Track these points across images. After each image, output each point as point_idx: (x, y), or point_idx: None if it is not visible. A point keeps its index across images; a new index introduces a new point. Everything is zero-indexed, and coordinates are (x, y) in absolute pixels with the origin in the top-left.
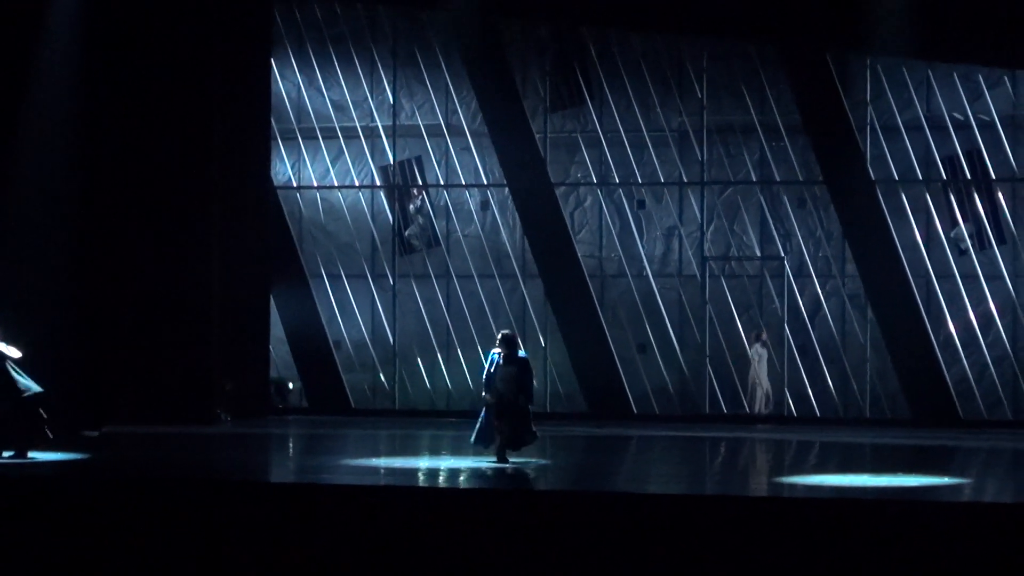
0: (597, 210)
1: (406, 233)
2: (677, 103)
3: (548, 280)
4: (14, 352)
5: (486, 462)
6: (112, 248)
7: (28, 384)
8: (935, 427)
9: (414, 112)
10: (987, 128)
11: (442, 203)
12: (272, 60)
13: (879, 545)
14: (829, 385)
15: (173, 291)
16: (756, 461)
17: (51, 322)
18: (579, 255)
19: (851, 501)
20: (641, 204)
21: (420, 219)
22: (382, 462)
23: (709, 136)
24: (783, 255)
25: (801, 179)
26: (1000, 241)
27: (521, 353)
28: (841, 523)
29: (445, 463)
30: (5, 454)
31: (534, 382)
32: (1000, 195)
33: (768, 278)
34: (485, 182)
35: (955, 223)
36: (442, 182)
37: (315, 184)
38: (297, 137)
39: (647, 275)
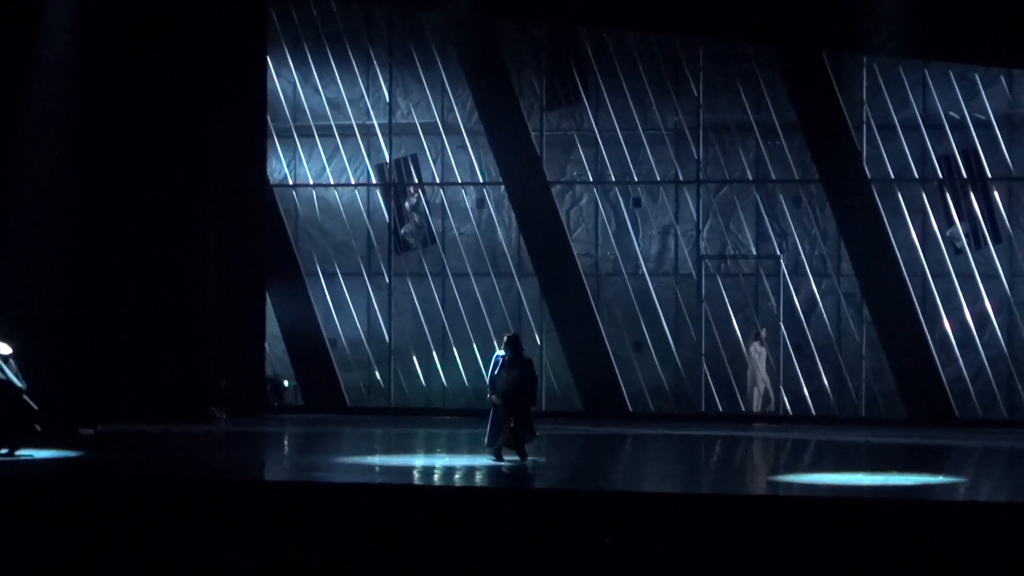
0: (593, 208)
1: (402, 231)
2: (673, 102)
3: (544, 278)
4: (5, 348)
5: (494, 460)
6: (107, 246)
7: (10, 377)
8: (931, 426)
9: (410, 110)
10: (983, 127)
11: (438, 201)
12: (268, 58)
13: (874, 543)
14: (825, 384)
15: (169, 289)
16: (752, 460)
17: (46, 320)
18: (575, 253)
19: (846, 500)
20: (637, 203)
21: (416, 217)
22: (377, 460)
23: (705, 135)
24: (779, 254)
25: (797, 178)
26: (996, 240)
27: (525, 355)
28: (836, 522)
29: (440, 461)
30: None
31: (537, 384)
32: (996, 194)
33: (764, 277)
34: (481, 180)
35: (951, 222)
36: (438, 180)
37: (311, 182)
38: (293, 135)
39: (643, 273)
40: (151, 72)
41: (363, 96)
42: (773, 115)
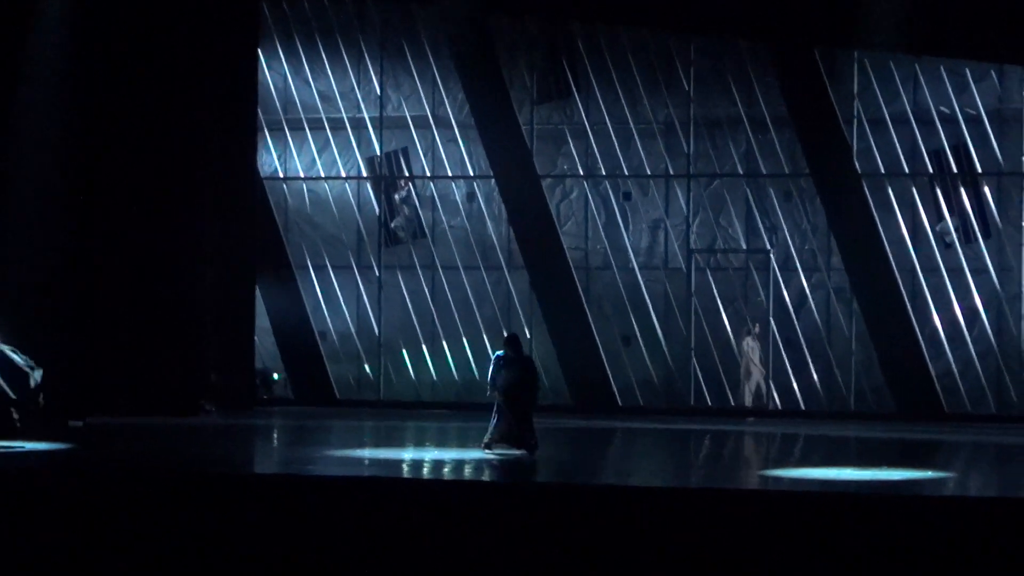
0: (583, 202)
1: (392, 224)
2: (664, 95)
3: (534, 272)
4: None
5: (507, 453)
6: (97, 239)
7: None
8: (920, 421)
9: (401, 103)
10: (974, 122)
11: (428, 194)
12: (259, 51)
13: (863, 538)
14: (814, 378)
15: (159, 282)
16: (741, 454)
17: (35, 313)
18: (565, 247)
19: (835, 494)
20: (627, 196)
21: (406, 210)
22: (367, 453)
23: (696, 128)
24: (769, 248)
25: (787, 172)
26: (986, 235)
27: (525, 353)
28: (825, 516)
29: (430, 454)
30: None
31: (540, 383)
32: (986, 189)
33: (754, 271)
34: (471, 174)
35: (941, 217)
36: (428, 173)
37: (301, 175)
38: (284, 128)
39: (633, 267)
40: (142, 65)
41: (354, 89)
42: (764, 109)
